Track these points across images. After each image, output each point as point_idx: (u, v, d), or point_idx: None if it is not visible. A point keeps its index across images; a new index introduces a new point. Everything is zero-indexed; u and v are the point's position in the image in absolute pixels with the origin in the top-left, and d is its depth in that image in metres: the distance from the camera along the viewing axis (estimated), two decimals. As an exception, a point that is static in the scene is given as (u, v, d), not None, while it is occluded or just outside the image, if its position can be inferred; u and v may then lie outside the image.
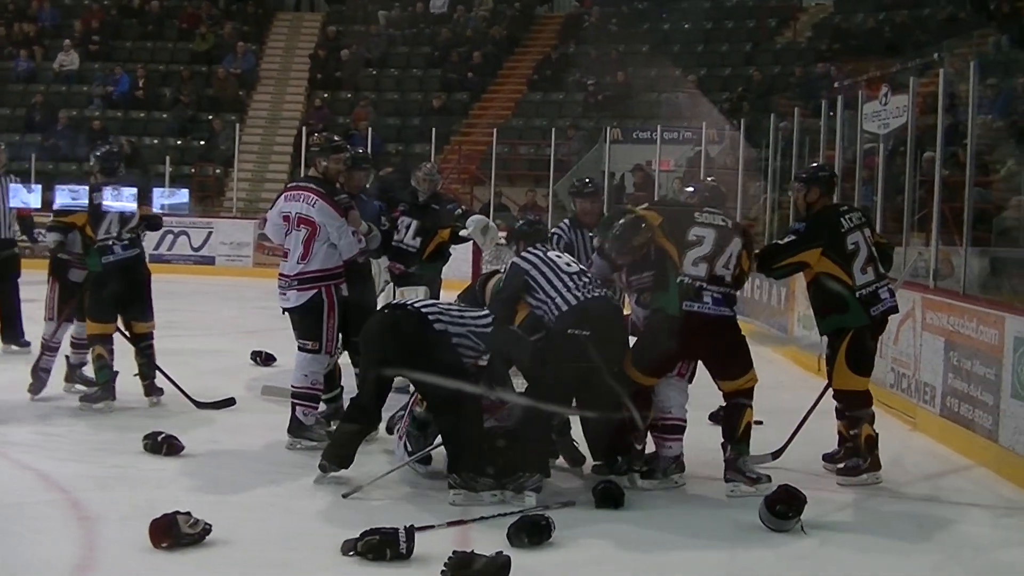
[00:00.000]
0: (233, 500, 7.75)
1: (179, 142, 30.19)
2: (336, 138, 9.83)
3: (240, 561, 6.51)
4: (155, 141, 30.20)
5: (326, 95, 31.77)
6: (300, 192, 9.16)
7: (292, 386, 9.19)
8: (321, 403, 9.46)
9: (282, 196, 9.34)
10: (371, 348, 8.17)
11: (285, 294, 9.15)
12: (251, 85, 32.61)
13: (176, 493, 7.67)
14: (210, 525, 6.71)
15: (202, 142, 30.07)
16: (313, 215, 9.02)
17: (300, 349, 9.18)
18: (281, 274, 9.24)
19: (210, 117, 30.38)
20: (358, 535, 6.58)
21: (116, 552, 6.62)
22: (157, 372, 10.60)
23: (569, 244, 9.58)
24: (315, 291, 9.09)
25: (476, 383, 7.92)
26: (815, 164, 10.70)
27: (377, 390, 8.12)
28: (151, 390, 10.58)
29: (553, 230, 9.80)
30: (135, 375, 10.58)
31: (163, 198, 25.41)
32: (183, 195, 25.68)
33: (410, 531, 6.59)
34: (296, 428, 9.14)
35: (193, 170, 28.84)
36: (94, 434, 9.45)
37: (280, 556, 6.63)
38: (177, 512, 6.70)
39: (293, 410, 9.16)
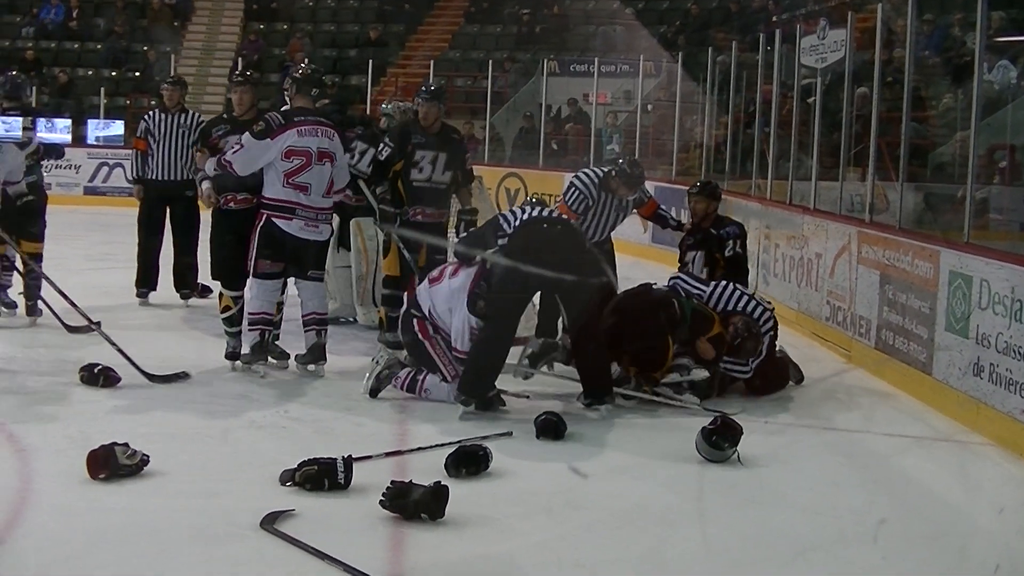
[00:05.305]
0: (171, 431, 7.71)
1: (113, 73, 29.75)
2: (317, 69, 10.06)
3: (178, 492, 6.49)
4: (89, 72, 29.81)
5: (261, 26, 31.54)
6: (316, 127, 9.17)
7: (315, 313, 9.34)
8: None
9: (292, 130, 9.05)
10: None
11: (318, 227, 9.22)
12: (186, 16, 32.30)
13: (113, 424, 7.63)
14: (148, 456, 6.69)
15: (136, 73, 29.64)
16: (334, 149, 9.23)
17: (316, 280, 9.39)
18: (308, 207, 9.11)
19: (144, 48, 30.04)
20: (296, 465, 6.58)
21: (53, 484, 6.58)
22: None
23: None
24: (330, 224, 9.53)
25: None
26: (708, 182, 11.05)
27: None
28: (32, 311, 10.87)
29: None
30: (20, 293, 10.97)
31: (98, 130, 25.26)
32: (118, 127, 25.45)
33: (348, 461, 6.59)
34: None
35: (128, 102, 28.41)
36: (29, 366, 9.38)
37: (219, 487, 6.62)
38: (115, 443, 6.66)
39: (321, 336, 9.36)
